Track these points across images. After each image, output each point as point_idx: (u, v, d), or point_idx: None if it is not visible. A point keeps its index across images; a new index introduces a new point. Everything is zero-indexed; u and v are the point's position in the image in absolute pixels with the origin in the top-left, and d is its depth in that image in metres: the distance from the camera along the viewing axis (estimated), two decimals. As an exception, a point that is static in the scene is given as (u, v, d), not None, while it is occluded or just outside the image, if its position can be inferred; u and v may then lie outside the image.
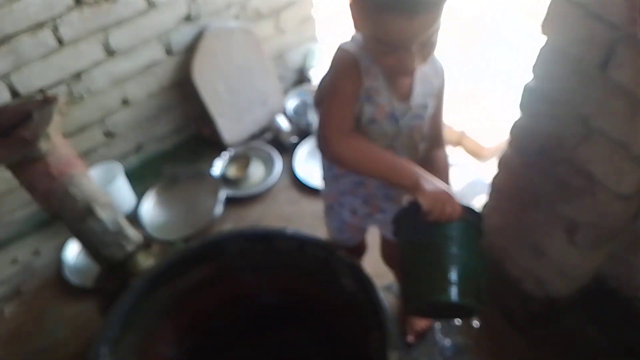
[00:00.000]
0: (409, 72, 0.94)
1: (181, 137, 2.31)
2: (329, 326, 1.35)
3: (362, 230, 1.39)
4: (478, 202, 1.80)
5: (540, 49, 1.12)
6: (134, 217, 2.03)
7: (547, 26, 1.07)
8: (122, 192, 2.04)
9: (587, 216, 1.19)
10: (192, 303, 1.31)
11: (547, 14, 1.06)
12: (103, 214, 1.39)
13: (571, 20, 1.01)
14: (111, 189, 1.96)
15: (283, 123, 2.28)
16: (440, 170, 1.13)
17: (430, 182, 0.95)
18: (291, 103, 2.37)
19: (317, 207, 2.02)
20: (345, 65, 0.99)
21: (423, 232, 0.96)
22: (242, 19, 2.14)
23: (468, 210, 0.97)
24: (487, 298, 0.95)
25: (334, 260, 1.22)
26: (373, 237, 1.47)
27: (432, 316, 1.33)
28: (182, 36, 2.01)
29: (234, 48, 2.10)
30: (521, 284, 1.49)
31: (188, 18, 1.98)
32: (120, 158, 2.15)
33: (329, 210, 1.32)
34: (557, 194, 1.24)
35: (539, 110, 1.18)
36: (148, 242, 1.55)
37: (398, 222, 1.04)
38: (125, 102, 2.03)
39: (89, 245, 1.44)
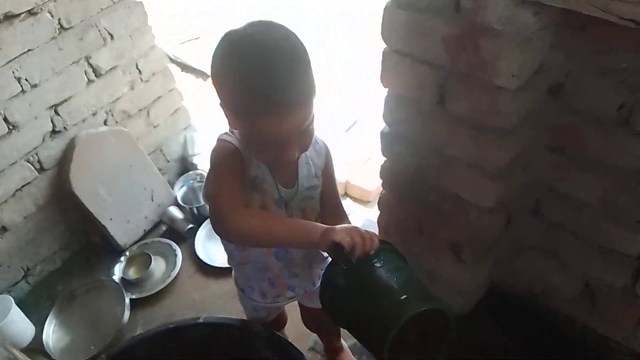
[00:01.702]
0: (290, 164, 0.98)
1: (71, 250, 2.20)
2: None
3: (278, 307, 1.40)
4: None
5: (385, 99, 1.24)
6: (37, 347, 1.87)
7: (384, 78, 1.20)
8: (18, 325, 1.88)
9: (465, 233, 1.31)
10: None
11: (382, 67, 1.19)
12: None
13: (402, 69, 1.13)
14: (5, 325, 1.81)
15: (176, 212, 2.28)
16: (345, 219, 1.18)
17: (335, 227, 0.93)
18: (180, 192, 2.37)
19: (226, 286, 2.02)
20: (226, 152, 1.00)
21: (357, 270, 0.91)
22: (110, 123, 2.14)
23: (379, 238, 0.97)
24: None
25: (250, 337, 1.23)
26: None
27: (413, 352, 1.28)
28: (52, 150, 1.97)
29: (109, 150, 2.09)
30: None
31: (54, 132, 1.96)
32: (9, 288, 2.00)
33: (241, 293, 1.32)
34: (436, 220, 1.35)
35: (398, 151, 1.30)
36: (53, 371, 1.44)
37: (327, 281, 0.98)
38: (2, 229, 1.92)
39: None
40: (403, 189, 1.38)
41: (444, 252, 1.39)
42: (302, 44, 0.88)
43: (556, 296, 1.50)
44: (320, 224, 0.96)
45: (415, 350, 0.93)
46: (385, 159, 1.36)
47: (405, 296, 0.86)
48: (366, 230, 0.93)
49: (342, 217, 1.20)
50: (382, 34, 1.10)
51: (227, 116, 0.94)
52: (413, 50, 1.07)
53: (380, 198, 1.48)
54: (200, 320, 1.26)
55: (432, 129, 1.18)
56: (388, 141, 1.31)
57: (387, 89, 1.22)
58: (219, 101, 0.93)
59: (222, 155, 1.01)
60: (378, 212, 1.56)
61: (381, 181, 2.24)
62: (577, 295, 1.44)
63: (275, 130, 0.86)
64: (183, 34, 3.65)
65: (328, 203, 1.18)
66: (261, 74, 0.82)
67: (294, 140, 0.90)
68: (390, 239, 1.53)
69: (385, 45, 1.12)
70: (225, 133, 1.04)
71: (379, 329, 0.85)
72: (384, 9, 1.07)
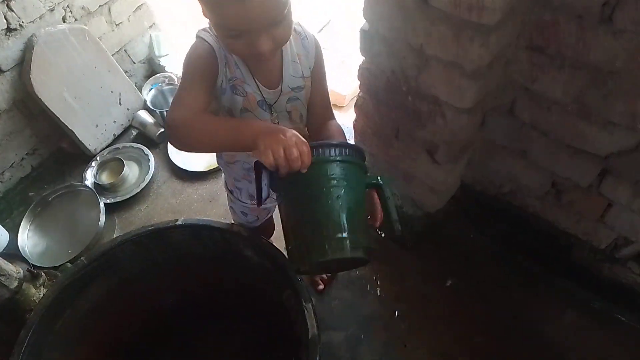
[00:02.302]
0: (263, 58, 0.89)
1: (40, 157, 2.16)
2: (247, 301, 1.38)
3: (267, 211, 1.40)
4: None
5: (366, -7, 1.19)
6: (13, 252, 1.88)
7: None
8: (-11, 230, 1.88)
9: (441, 135, 1.32)
10: (101, 323, 1.27)
11: None
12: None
13: None
14: (-24, 231, 1.81)
15: (146, 117, 2.22)
16: (333, 137, 1.10)
17: (270, 129, 0.83)
18: (148, 95, 2.29)
19: (203, 191, 2.03)
20: (198, 53, 0.96)
21: (284, 188, 0.86)
22: (70, 22, 2.01)
23: (339, 146, 0.87)
24: (374, 240, 0.88)
25: (232, 238, 1.24)
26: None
27: (324, 272, 1.29)
28: (9, 51, 1.85)
29: (70, 51, 1.97)
30: (402, 209, 1.64)
31: (9, 30, 1.82)
32: (-22, 195, 1.97)
33: (230, 195, 1.32)
34: (413, 123, 1.35)
35: (377, 50, 1.26)
36: (34, 273, 1.46)
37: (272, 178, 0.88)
38: (-37, 135, 1.85)
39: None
40: (380, 91, 1.36)
41: (419, 154, 1.41)
42: None
43: (524, 194, 1.57)
44: (261, 127, 0.85)
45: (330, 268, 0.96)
46: (363, 59, 1.33)
47: (339, 235, 0.82)
48: (301, 142, 0.81)
49: (331, 118, 1.15)
50: None
51: (200, 3, 0.86)
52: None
53: (357, 101, 1.46)
54: (179, 222, 1.26)
55: (413, 26, 1.14)
56: (367, 39, 1.26)
57: (369, -17, 1.15)
58: None
59: (194, 57, 0.96)
60: (354, 116, 1.55)
61: (356, 85, 2.23)
62: (543, 193, 1.50)
63: (239, 14, 0.80)
64: None
65: (316, 106, 1.13)
66: None
67: (263, 30, 0.84)
68: (366, 143, 1.55)
69: None
70: (204, 29, 0.98)
71: (307, 247, 0.84)
72: None
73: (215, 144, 0.92)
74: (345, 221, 0.83)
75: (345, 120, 2.14)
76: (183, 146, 0.93)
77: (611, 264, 1.52)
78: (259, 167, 0.85)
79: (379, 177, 0.94)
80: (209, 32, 0.97)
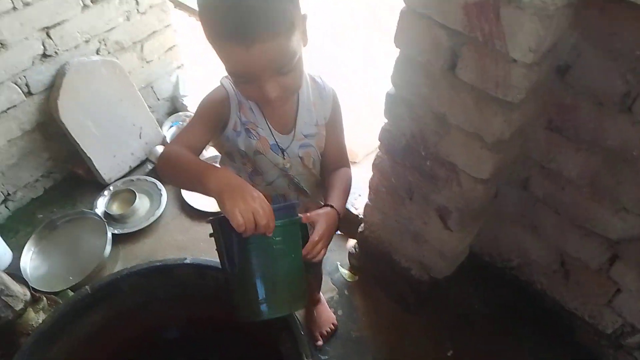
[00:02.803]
0: (273, 104, 0.92)
1: (54, 180, 2.18)
2: (242, 342, 1.36)
3: None
4: (359, 203, 1.93)
5: (395, 60, 1.23)
6: (14, 272, 1.86)
7: (398, 39, 1.18)
8: (-6, 248, 1.88)
9: (455, 202, 1.33)
10: (98, 353, 1.25)
11: (397, 27, 1.16)
12: (-21, 276, 1.29)
13: (418, 31, 1.11)
14: (-19, 247, 1.81)
15: (162, 152, 2.26)
16: (334, 185, 1.14)
17: (234, 186, 0.82)
18: (168, 131, 2.34)
19: (210, 230, 2.03)
20: (213, 96, 1.03)
21: (232, 246, 0.90)
22: (103, 54, 2.08)
23: (285, 209, 0.91)
24: (305, 296, 0.95)
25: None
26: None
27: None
28: (41, 75, 1.91)
29: (99, 82, 2.04)
30: (410, 272, 1.63)
31: (45, 56, 1.89)
32: (-13, 212, 1.99)
33: None
34: (428, 186, 1.37)
35: (401, 114, 1.30)
36: (35, 297, 1.45)
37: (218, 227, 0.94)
38: (-16, 151, 1.88)
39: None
40: (399, 153, 1.39)
41: (432, 218, 1.42)
42: None
43: (532, 269, 1.57)
44: (223, 177, 0.85)
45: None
46: (386, 120, 1.36)
47: (258, 299, 0.90)
48: (266, 207, 0.83)
49: (339, 170, 1.18)
50: (403, -8, 1.08)
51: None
52: (431, 13, 1.05)
53: (375, 159, 1.49)
54: (187, 261, 1.27)
55: (438, 94, 1.18)
56: (392, 103, 1.30)
57: (399, 50, 1.20)
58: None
59: (206, 100, 1.04)
60: (365, 173, 1.58)
61: (369, 143, 2.27)
62: (552, 270, 1.50)
63: (243, 62, 0.83)
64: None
65: (331, 154, 1.17)
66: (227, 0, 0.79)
67: (270, 77, 0.86)
68: (379, 201, 1.57)
69: (404, 5, 1.10)
70: (226, 76, 1.03)
71: (237, 302, 0.95)
72: (408, -31, 1.04)
73: (184, 182, 0.96)
74: (270, 287, 0.90)
75: (357, 176, 2.18)
76: (161, 176, 1.00)
77: (615, 351, 1.49)
78: (222, 224, 0.85)
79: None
80: (229, 78, 1.02)
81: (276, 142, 1.07)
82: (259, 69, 0.85)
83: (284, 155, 1.09)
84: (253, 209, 0.80)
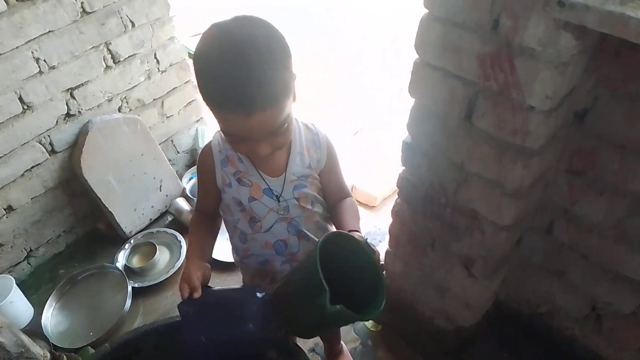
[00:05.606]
0: (263, 158, 0.98)
1: (75, 235, 2.21)
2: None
3: None
4: (380, 249, 1.91)
5: (411, 109, 1.24)
6: (35, 330, 1.87)
7: (413, 89, 1.20)
8: (17, 306, 1.88)
9: (478, 250, 1.31)
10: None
11: (411, 78, 1.18)
12: (1, 338, 1.28)
13: (433, 82, 1.13)
14: (5, 305, 1.81)
15: (183, 204, 2.28)
16: (344, 213, 1.18)
17: (193, 263, 1.09)
18: (188, 183, 2.37)
19: (231, 282, 2.02)
20: (201, 156, 1.14)
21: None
22: (125, 111, 2.14)
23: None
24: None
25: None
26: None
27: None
28: (65, 134, 1.97)
29: (121, 138, 2.08)
30: (433, 322, 1.59)
31: (68, 115, 1.95)
32: (10, 268, 2.01)
33: None
34: (449, 235, 1.35)
35: (418, 163, 1.30)
36: (55, 356, 1.44)
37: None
38: (8, 209, 1.91)
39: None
40: (419, 201, 1.38)
41: (455, 266, 1.40)
42: (283, 45, 0.87)
43: (562, 316, 1.51)
44: (194, 255, 1.13)
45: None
46: (404, 168, 1.36)
47: None
48: (187, 280, 1.04)
49: (344, 201, 1.21)
50: (416, 45, 1.10)
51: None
52: (445, 64, 1.07)
53: (394, 207, 1.48)
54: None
55: (455, 143, 1.18)
56: (409, 152, 1.31)
57: (413, 100, 1.21)
58: None
59: (199, 159, 1.16)
60: (385, 219, 1.57)
61: (387, 187, 2.27)
62: (582, 317, 1.45)
63: (240, 128, 0.88)
64: (195, 27, 3.63)
65: (332, 193, 1.21)
66: (227, 69, 0.81)
67: (263, 139, 0.91)
68: (400, 249, 1.55)
69: (417, 56, 1.12)
70: (219, 130, 1.07)
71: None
72: (420, 21, 1.06)
73: None
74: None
75: (377, 222, 2.17)
76: None
77: (655, 400, 1.42)
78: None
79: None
80: (220, 133, 1.10)
81: (268, 185, 1.10)
82: (256, 133, 0.89)
83: (278, 201, 1.11)
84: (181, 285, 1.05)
